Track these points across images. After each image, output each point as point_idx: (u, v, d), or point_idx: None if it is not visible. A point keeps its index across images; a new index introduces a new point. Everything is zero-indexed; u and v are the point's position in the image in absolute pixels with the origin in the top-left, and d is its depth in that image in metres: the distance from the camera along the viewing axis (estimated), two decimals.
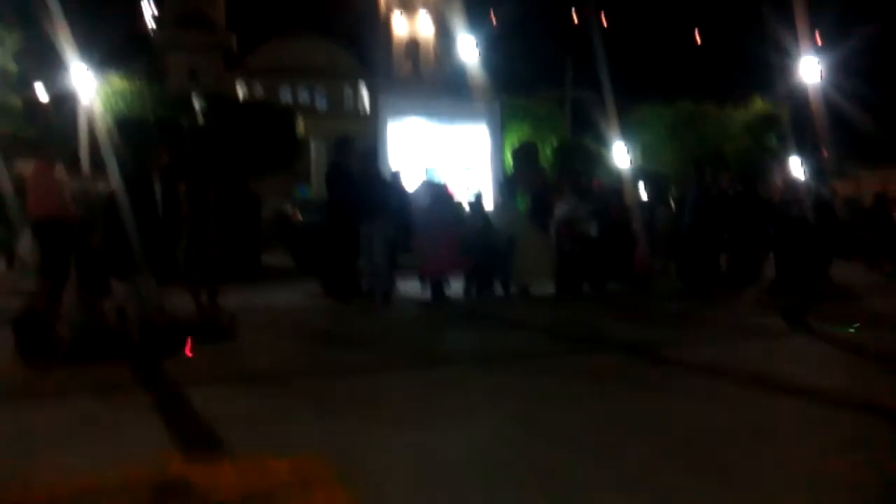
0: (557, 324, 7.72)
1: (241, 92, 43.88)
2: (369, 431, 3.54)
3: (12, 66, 19.99)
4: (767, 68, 25.05)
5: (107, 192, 8.01)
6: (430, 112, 15.66)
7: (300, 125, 20.14)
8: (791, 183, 14.77)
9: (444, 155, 15.28)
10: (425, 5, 46.42)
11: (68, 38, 15.88)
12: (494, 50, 21.50)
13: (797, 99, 22.21)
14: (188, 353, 5.52)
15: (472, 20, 20.42)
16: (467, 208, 10.87)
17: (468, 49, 19.68)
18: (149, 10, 41.04)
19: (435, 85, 41.67)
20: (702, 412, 3.83)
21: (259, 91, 45.03)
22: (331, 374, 5.04)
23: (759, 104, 24.05)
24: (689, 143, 21.38)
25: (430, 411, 3.92)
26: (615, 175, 18.77)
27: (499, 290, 10.10)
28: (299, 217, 13.81)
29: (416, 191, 9.92)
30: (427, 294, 9.56)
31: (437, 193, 9.67)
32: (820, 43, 21.25)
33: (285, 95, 45.80)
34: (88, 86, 16.30)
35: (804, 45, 19.98)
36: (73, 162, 10.12)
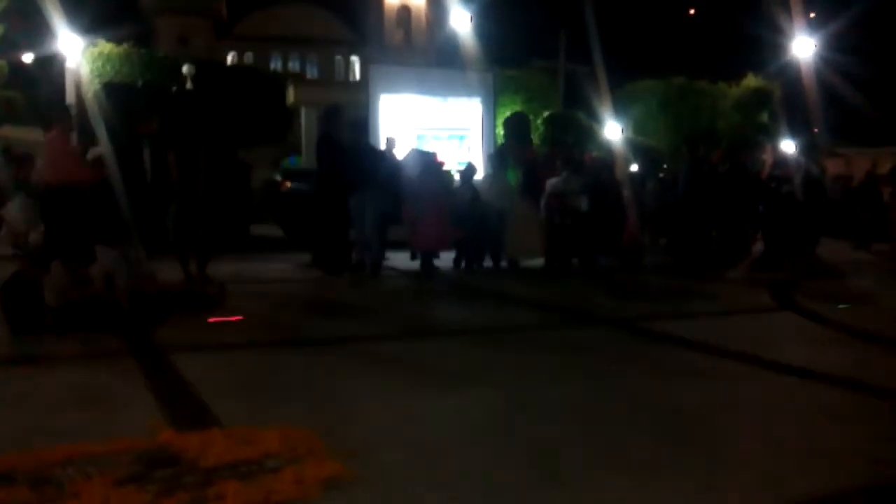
0: (546, 298, 7.74)
1: (230, 59, 43.38)
2: (358, 402, 3.54)
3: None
4: (760, 45, 25.01)
5: (93, 157, 7.95)
6: (422, 86, 15.51)
7: (290, 93, 19.93)
8: (781, 160, 14.80)
9: (436, 126, 15.19)
10: None
11: (55, 1, 15.61)
12: (487, 19, 21.29)
13: (789, 76, 22.17)
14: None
15: None
16: (457, 178, 10.84)
17: (461, 18, 19.46)
18: None
19: (427, 54, 41.33)
20: (688, 386, 3.85)
21: (249, 59, 44.55)
22: (320, 344, 5.04)
23: (751, 80, 23.98)
24: (681, 119, 21.34)
25: (420, 382, 3.93)
26: (607, 149, 18.71)
27: (488, 263, 10.11)
28: (287, 187, 13.69)
29: (406, 159, 9.85)
30: (417, 266, 9.56)
31: (427, 162, 9.61)
32: (813, 18, 21.20)
33: (276, 63, 45.34)
34: (75, 49, 16.04)
35: (797, 21, 19.89)
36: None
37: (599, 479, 2.56)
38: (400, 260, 10.20)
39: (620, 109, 21.27)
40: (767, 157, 17.65)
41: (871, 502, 2.51)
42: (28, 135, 10.52)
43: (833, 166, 22.01)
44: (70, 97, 15.04)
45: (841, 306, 7.00)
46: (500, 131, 17.07)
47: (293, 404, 3.48)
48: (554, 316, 6.72)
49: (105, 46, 16.76)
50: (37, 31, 18.32)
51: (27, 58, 20.18)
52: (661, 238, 11.68)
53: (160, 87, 14.23)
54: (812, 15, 21.88)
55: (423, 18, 46.06)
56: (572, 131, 19.23)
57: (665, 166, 12.87)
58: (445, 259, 9.88)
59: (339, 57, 48.00)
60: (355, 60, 47.50)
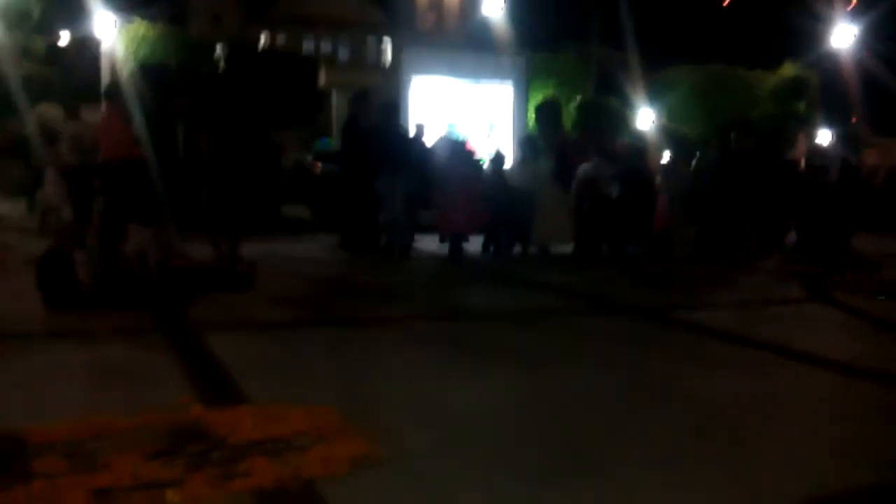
0: (574, 284, 7.71)
1: (263, 40, 43.50)
2: (387, 383, 3.56)
3: (36, 8, 19.89)
4: (799, 32, 24.43)
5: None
6: (454, 69, 15.46)
7: (322, 76, 19.95)
8: (818, 149, 14.51)
9: (468, 112, 15.14)
10: None
11: None
12: (520, 1, 21.04)
13: (828, 64, 21.72)
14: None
15: None
16: (487, 166, 10.80)
17: (493, 2, 19.32)
18: None
19: (459, 39, 41.07)
20: (717, 378, 3.81)
21: (282, 40, 44.61)
22: (349, 325, 5.06)
23: (788, 69, 23.52)
24: (716, 107, 20.99)
25: (447, 365, 3.93)
26: (639, 136, 18.49)
27: (518, 249, 10.08)
28: (318, 169, 13.75)
29: (436, 146, 9.84)
30: (445, 250, 9.56)
31: (457, 150, 9.59)
32: (854, 4, 20.69)
33: (308, 45, 45.38)
34: (110, 29, 16.22)
35: (838, 7, 19.45)
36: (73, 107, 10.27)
37: (628, 467, 2.55)
38: (429, 243, 10.21)
39: (654, 96, 20.98)
40: (801, 146, 17.34)
41: None
42: (59, 113, 10.72)
43: (872, 157, 21.52)
44: (105, 77, 15.22)
45: (881, 298, 6.88)
46: (532, 115, 16.94)
47: (321, 383, 3.51)
48: (581, 303, 6.68)
49: (140, 27, 16.92)
50: (72, 9, 18.54)
51: (63, 37, 20.41)
52: (691, 227, 11.53)
53: (194, 69, 14.33)
54: (853, 1, 21.33)
55: (456, 2, 45.75)
56: (605, 118, 19.02)
57: (698, 154, 12.64)
58: (475, 244, 9.87)
59: (371, 39, 47.92)
60: (387, 43, 47.39)
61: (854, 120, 23.18)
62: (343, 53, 47.07)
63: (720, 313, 6.02)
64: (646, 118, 20.38)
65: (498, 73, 15.70)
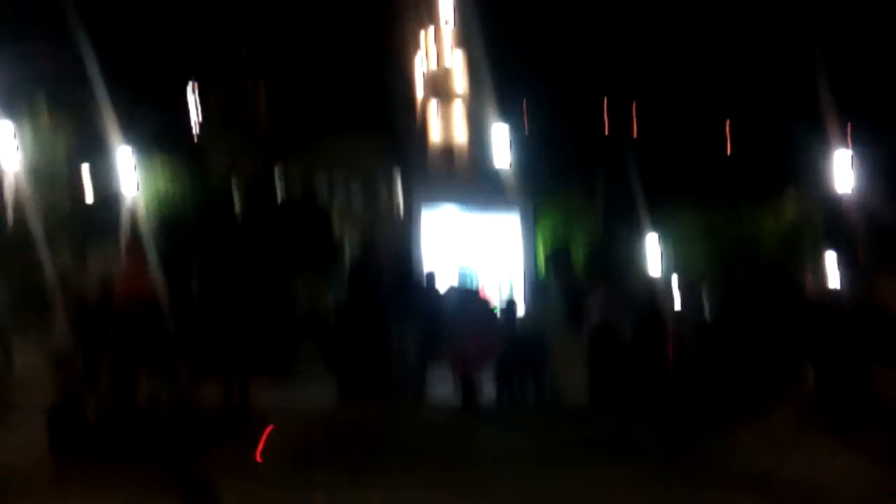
0: (590, 434, 7.56)
1: (279, 185, 44.77)
2: None
3: (62, 168, 20.38)
4: (803, 165, 24.97)
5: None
6: (464, 202, 16.06)
7: (336, 225, 20.43)
8: (824, 282, 14.41)
9: (478, 248, 15.44)
10: (461, 99, 47.59)
11: (114, 126, 16.23)
12: (528, 149, 21.83)
13: (834, 196, 22.05)
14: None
15: (506, 114, 20.79)
16: (499, 313, 10.82)
17: (502, 150, 20.01)
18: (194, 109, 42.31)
19: (469, 185, 42.30)
20: None
21: (297, 185, 45.95)
22: (353, 484, 4.98)
23: (792, 203, 24.01)
24: (722, 246, 21.26)
25: None
26: (647, 277, 18.62)
27: (531, 395, 9.94)
28: (331, 316, 13.87)
29: (447, 295, 9.94)
30: (458, 396, 9.42)
31: (470, 298, 9.67)
32: (852, 141, 21.29)
33: (321, 189, 46.67)
34: (132, 179, 16.74)
35: (839, 142, 19.98)
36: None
37: None
38: (441, 382, 10.05)
39: (660, 235, 21.32)
40: (809, 276, 17.33)
41: None
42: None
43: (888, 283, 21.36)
44: (125, 225, 15.62)
45: None
46: (541, 258, 17.22)
47: None
48: (597, 453, 6.54)
49: (156, 164, 17.18)
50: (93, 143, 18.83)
51: (84, 169, 20.75)
52: (706, 371, 11.34)
53: (211, 214, 14.71)
54: (853, 133, 21.94)
55: (465, 147, 47.45)
56: (612, 259, 19.30)
57: (705, 295, 12.67)
58: (487, 391, 9.73)
59: (383, 183, 49.36)
60: (398, 187, 48.76)
61: (861, 252, 23.25)
62: (355, 197, 48.35)
63: (747, 463, 5.81)
64: (653, 258, 20.59)
65: (506, 208, 16.23)
